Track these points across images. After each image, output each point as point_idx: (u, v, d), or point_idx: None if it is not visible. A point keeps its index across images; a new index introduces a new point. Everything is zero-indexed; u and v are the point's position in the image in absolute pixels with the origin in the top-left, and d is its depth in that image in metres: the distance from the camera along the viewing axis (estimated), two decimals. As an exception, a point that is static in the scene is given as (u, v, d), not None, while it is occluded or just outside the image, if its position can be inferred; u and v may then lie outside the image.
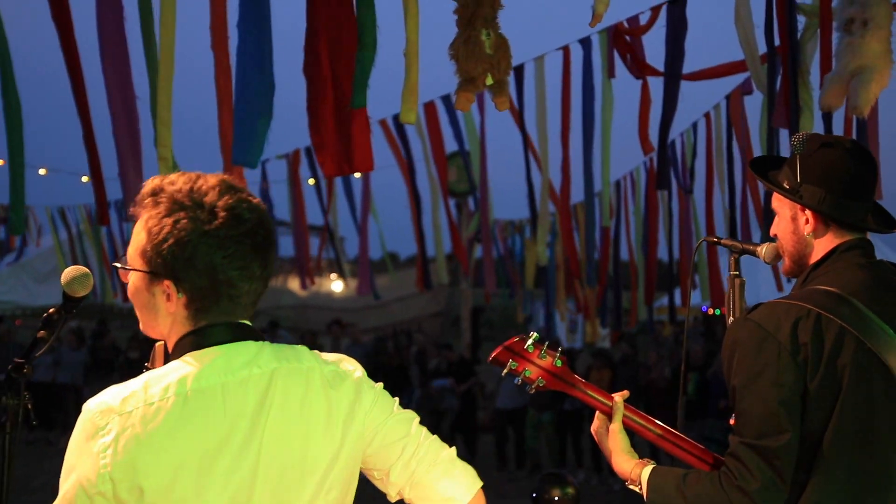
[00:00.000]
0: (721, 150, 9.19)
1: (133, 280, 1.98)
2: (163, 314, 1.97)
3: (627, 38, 7.25)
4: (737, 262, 3.02)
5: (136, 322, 2.05)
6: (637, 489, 2.67)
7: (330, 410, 1.98)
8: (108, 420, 1.83)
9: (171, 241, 1.88)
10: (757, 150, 7.70)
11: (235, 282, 1.91)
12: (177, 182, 1.93)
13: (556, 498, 3.87)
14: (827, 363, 2.41)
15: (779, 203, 2.74)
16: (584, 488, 12.22)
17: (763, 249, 2.91)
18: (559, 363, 2.75)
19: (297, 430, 1.93)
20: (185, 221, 1.87)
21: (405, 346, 17.06)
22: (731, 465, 2.45)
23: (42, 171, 17.29)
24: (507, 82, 3.89)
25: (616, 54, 7.44)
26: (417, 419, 2.14)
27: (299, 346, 2.07)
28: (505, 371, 2.73)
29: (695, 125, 10.22)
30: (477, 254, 15.87)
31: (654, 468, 2.65)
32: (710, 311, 20.29)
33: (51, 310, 2.20)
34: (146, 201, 1.94)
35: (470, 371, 14.82)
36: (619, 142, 8.65)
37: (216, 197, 1.90)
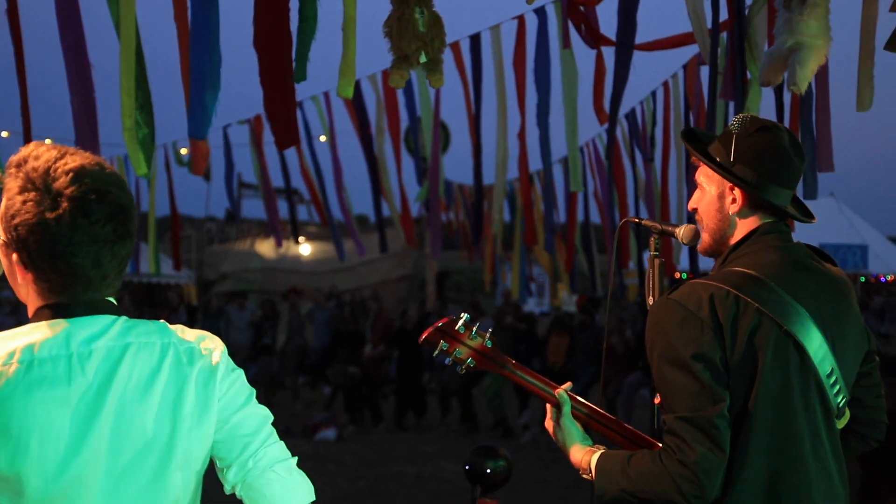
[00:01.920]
0: (679, 119, 9.22)
1: None
2: (20, 282, 1.97)
3: (582, 7, 7.23)
4: (656, 244, 3.07)
5: None
6: (588, 477, 2.72)
7: (181, 388, 1.97)
8: None
9: (16, 219, 1.88)
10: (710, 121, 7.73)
11: (78, 270, 1.89)
12: (41, 157, 1.91)
13: (489, 471, 3.94)
14: (744, 343, 2.46)
15: (706, 179, 2.76)
16: (541, 451, 12.40)
17: (681, 231, 2.95)
18: (489, 344, 2.81)
19: (145, 405, 1.92)
20: (31, 204, 1.86)
21: (362, 313, 17.08)
22: (669, 442, 2.49)
23: (4, 134, 17.18)
24: (441, 60, 3.89)
25: (571, 24, 7.43)
26: (271, 419, 2.15)
27: (159, 322, 2.05)
28: (436, 352, 2.79)
29: (654, 94, 10.25)
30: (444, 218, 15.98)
31: (602, 453, 2.70)
32: (678, 276, 20.45)
33: None
34: (10, 170, 1.93)
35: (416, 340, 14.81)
36: (582, 110, 8.67)
37: (66, 184, 1.87)
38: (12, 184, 1.90)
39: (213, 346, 2.08)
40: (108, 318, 1.96)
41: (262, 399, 2.16)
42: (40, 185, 1.87)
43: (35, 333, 1.89)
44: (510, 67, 8.63)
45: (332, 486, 10.13)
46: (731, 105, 5.93)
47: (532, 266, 19.74)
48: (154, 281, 22.56)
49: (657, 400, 2.71)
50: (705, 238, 2.80)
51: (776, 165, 2.64)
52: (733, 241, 2.72)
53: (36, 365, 1.84)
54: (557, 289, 22.67)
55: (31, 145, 1.95)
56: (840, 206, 29.75)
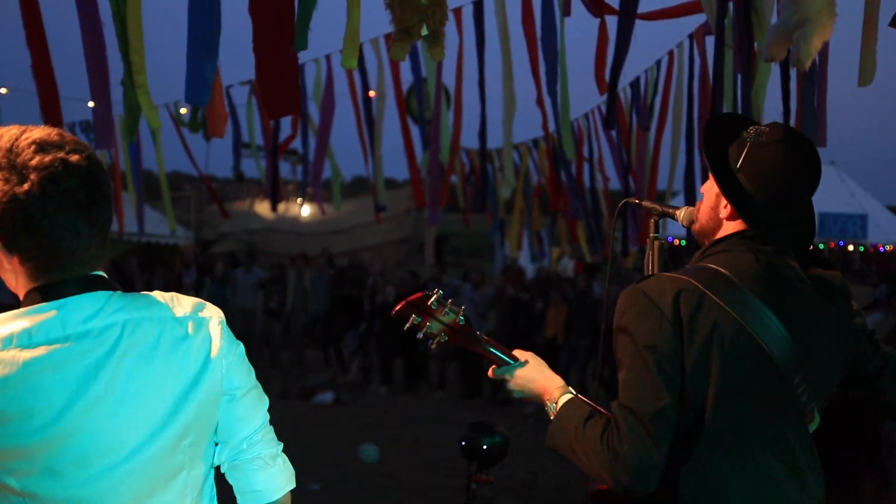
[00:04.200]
0: (681, 89, 9.17)
1: None
2: (6, 270, 1.96)
3: (586, -25, 7.16)
4: (656, 225, 3.05)
5: None
6: (552, 409, 2.71)
7: (183, 359, 1.98)
8: None
9: None
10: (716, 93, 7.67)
11: (59, 242, 1.87)
12: (3, 137, 1.90)
13: (485, 447, 3.94)
14: (703, 341, 2.43)
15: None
16: (538, 417, 12.45)
17: (682, 213, 2.93)
18: (462, 320, 2.80)
19: (146, 380, 1.92)
20: (1, 183, 1.84)
21: (362, 277, 17.07)
22: (611, 426, 2.48)
23: (3, 91, 17.06)
24: (443, 32, 3.85)
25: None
26: (267, 404, 2.19)
27: (153, 294, 2.04)
28: (407, 325, 2.77)
29: (658, 63, 10.18)
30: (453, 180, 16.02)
31: (571, 398, 2.69)
32: (676, 242, 20.46)
33: None
34: None
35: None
36: (585, 78, 8.63)
37: (30, 156, 1.84)
38: None
39: (210, 315, 2.08)
40: (102, 294, 1.95)
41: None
42: (5, 163, 1.85)
43: (30, 317, 1.88)
44: (515, 34, 8.55)
45: (328, 450, 10.17)
46: (739, 77, 5.89)
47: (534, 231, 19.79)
48: (153, 241, 22.51)
49: None
50: (695, 226, 2.79)
51: (777, 186, 2.57)
52: (717, 237, 2.69)
53: (34, 348, 1.83)
54: (553, 254, 22.74)
55: None
56: (840, 175, 29.64)
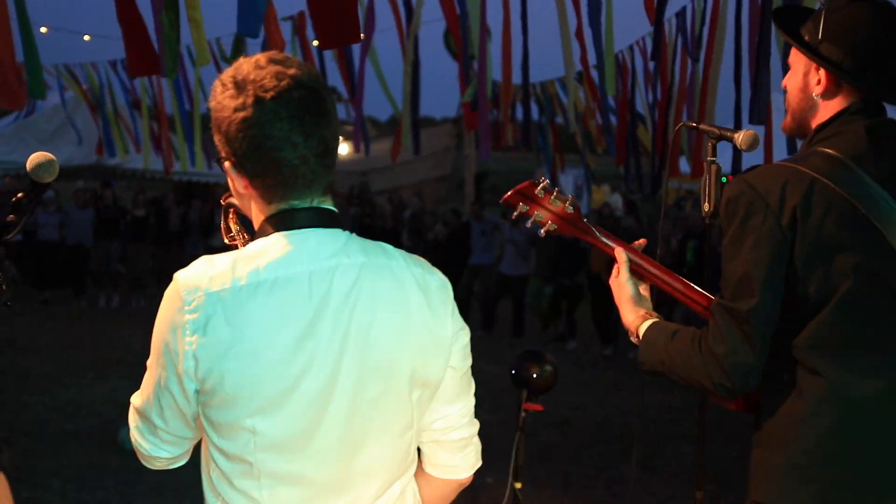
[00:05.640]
0: (726, 19, 8.95)
1: None
2: (242, 195, 1.97)
3: None
4: (714, 148, 2.99)
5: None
6: (636, 342, 2.68)
7: (417, 316, 1.96)
8: (194, 297, 1.82)
9: (220, 122, 1.89)
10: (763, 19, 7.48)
11: (275, 153, 1.85)
12: (236, 65, 1.93)
13: (535, 375, 3.94)
14: (816, 230, 2.35)
15: (795, 57, 2.62)
16: (579, 355, 12.48)
17: (740, 136, 2.87)
18: (571, 209, 2.72)
19: (382, 327, 1.91)
20: (227, 100, 1.87)
21: (400, 210, 17.03)
22: (710, 325, 2.44)
23: (43, 30, 17.01)
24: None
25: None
26: (474, 388, 2.15)
27: (384, 243, 2.02)
28: (515, 213, 2.70)
29: (705, -9, 9.95)
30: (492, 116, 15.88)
31: (652, 323, 2.64)
32: (729, 177, 20.23)
33: (19, 194, 2.21)
34: (213, 91, 1.94)
35: (467, 237, 14.87)
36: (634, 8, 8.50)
37: (249, 71, 1.88)
38: (218, 94, 1.92)
39: (443, 281, 2.05)
40: (340, 233, 1.94)
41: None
42: (231, 83, 1.88)
43: (272, 251, 1.88)
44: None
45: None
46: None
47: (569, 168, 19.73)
48: (194, 180, 22.59)
49: None
50: (787, 119, 2.68)
51: (865, 43, 2.46)
52: (816, 122, 2.57)
53: (280, 283, 1.84)
54: (597, 191, 22.61)
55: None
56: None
